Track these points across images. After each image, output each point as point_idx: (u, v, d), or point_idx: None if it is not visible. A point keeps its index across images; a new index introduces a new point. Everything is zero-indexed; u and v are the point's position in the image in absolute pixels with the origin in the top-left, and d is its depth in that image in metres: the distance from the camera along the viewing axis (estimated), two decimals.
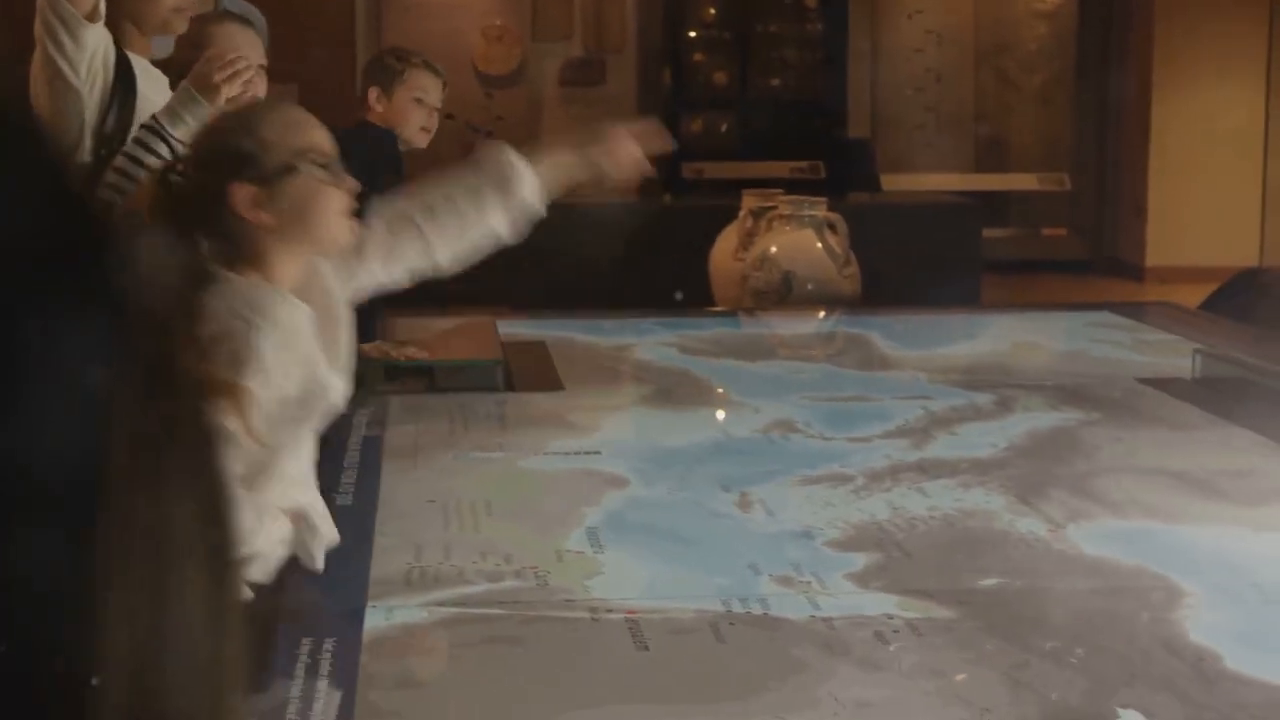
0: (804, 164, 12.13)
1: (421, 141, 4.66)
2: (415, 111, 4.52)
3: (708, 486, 3.37)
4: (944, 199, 9.61)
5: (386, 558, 2.87)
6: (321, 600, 2.75)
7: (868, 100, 12.57)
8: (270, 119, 2.26)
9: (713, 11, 12.51)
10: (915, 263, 7.72)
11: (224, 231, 2.22)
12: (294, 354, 2.24)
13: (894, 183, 12.14)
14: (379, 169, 4.33)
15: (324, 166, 2.26)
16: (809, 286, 6.41)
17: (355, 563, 2.84)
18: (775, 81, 12.50)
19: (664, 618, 2.58)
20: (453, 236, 2.59)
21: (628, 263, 8.50)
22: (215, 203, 2.20)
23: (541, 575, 2.81)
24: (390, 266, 2.58)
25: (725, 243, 7.06)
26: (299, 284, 2.29)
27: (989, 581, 2.77)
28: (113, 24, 4.11)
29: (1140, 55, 12.01)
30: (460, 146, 12.18)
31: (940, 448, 3.69)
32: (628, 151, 2.80)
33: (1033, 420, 3.96)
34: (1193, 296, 9.76)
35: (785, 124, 12.27)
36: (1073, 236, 12.58)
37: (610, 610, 2.62)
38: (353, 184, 2.31)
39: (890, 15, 12.54)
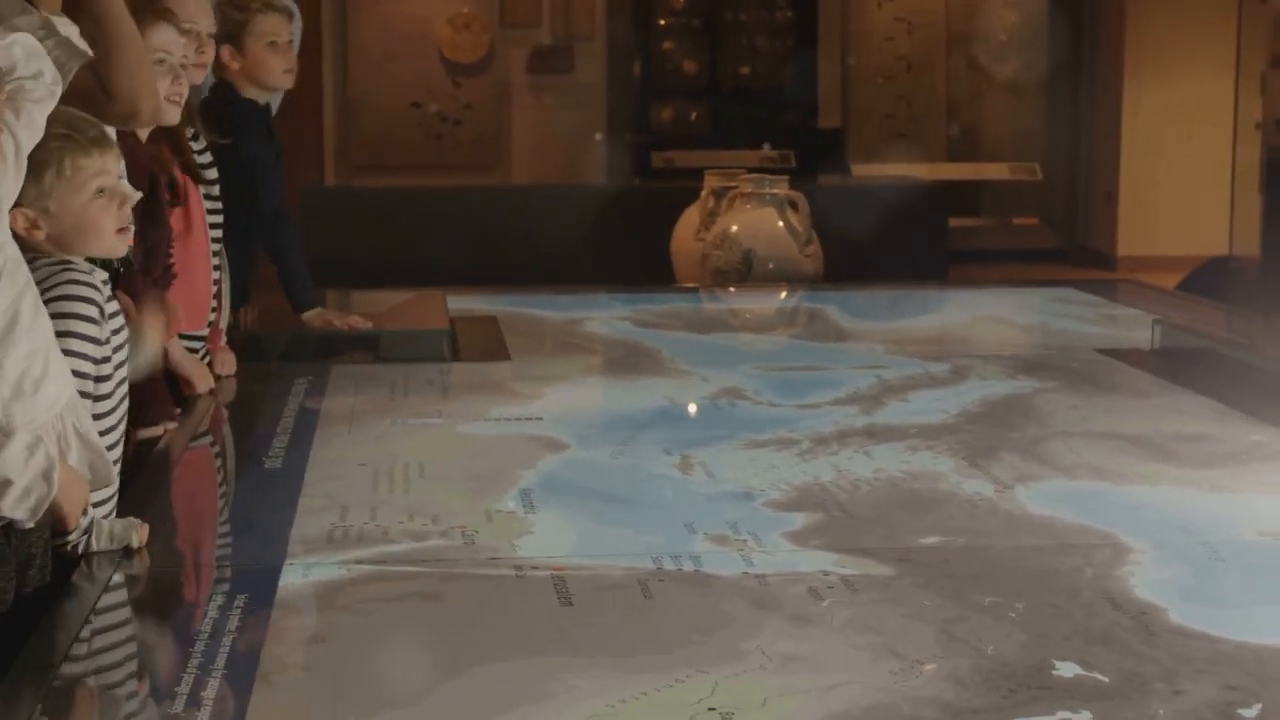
0: (774, 153, 12.06)
1: (287, 82, 4.42)
2: (272, 58, 4.29)
3: (649, 450, 3.28)
4: (909, 182, 9.54)
5: (310, 519, 2.78)
6: (238, 555, 2.68)
7: (838, 89, 12.50)
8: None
9: (682, 1, 12.44)
10: (880, 245, 7.64)
11: None
12: None
13: (865, 172, 12.08)
14: (255, 142, 4.20)
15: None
16: (770, 265, 6.33)
17: (278, 525, 2.74)
18: (745, 70, 12.44)
19: (591, 574, 2.49)
20: None
21: (590, 245, 8.42)
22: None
23: (469, 535, 2.72)
24: None
25: (687, 223, 6.98)
26: None
27: (930, 540, 2.69)
28: None
29: (1111, 45, 11.95)
30: (428, 135, 12.12)
31: (890, 414, 3.61)
32: None
33: (987, 388, 3.88)
34: (1165, 285, 9.72)
35: (756, 113, 12.21)
36: (1044, 226, 12.53)
37: (536, 567, 2.53)
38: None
39: (861, 3, 12.48)
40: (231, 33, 4.20)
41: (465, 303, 5.03)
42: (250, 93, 4.32)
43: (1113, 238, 11.98)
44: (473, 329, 4.60)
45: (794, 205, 6.43)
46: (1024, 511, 2.84)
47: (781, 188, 6.50)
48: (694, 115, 12.40)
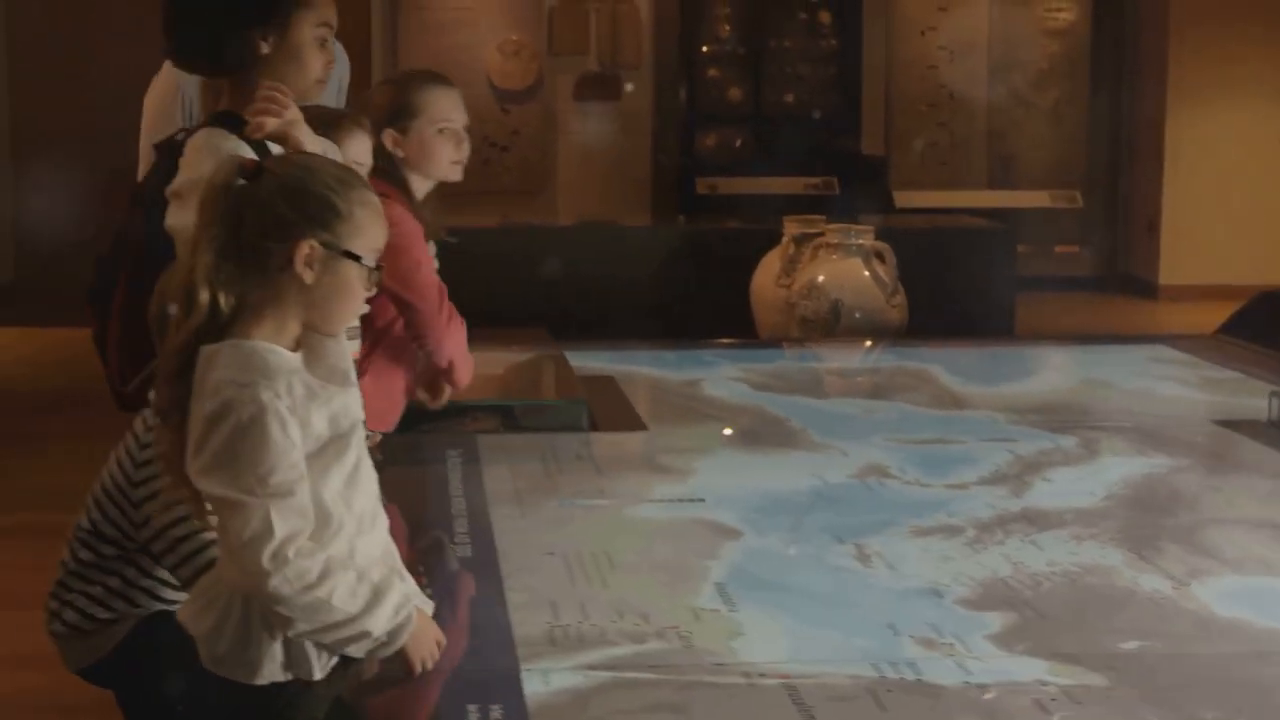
0: (817, 180, 12.18)
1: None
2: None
3: (821, 538, 3.40)
4: (975, 223, 9.65)
5: (524, 617, 2.88)
6: (470, 658, 2.77)
7: (881, 116, 12.61)
8: (368, 206, 2.27)
9: (727, 28, 12.54)
10: (952, 288, 7.76)
11: (259, 262, 2.22)
12: (313, 400, 2.25)
13: (907, 199, 12.21)
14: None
15: (374, 271, 2.28)
16: (856, 315, 6.45)
17: (496, 624, 2.85)
18: (789, 97, 12.55)
19: (818, 683, 2.61)
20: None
21: (659, 285, 8.50)
22: (278, 234, 2.20)
23: (684, 636, 2.83)
24: None
25: (767, 269, 7.09)
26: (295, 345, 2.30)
27: (1130, 644, 2.80)
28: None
29: (1153, 73, 12.07)
30: (477, 161, 12.23)
31: (1039, 496, 3.72)
32: None
33: (1122, 466, 3.99)
34: (1207, 314, 9.80)
35: (799, 140, 12.31)
36: (1085, 254, 12.65)
37: (764, 675, 2.64)
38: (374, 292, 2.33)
39: (904, 31, 12.59)
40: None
41: (572, 360, 5.11)
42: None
43: (1155, 266, 12.10)
44: (597, 392, 4.70)
45: (880, 256, 6.55)
46: (1209, 612, 2.96)
47: (867, 237, 6.62)
48: (738, 142, 12.51)
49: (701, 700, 2.56)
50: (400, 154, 3.84)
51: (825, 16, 12.46)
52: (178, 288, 2.18)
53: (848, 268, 6.57)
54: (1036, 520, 3.53)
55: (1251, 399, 4.73)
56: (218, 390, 2.16)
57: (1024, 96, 12.65)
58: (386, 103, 3.87)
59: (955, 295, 7.64)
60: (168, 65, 4.61)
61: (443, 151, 3.87)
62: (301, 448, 2.20)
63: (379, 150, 3.71)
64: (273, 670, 2.28)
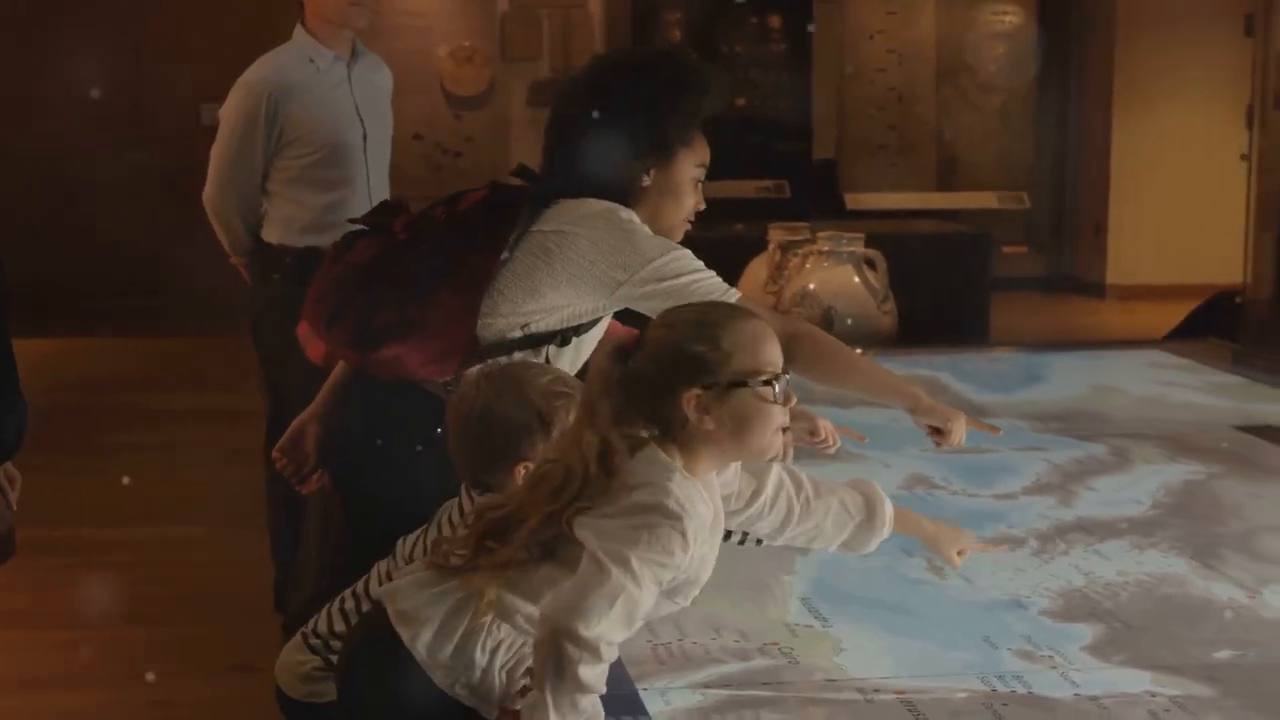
0: (769, 183, 12.26)
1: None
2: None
3: (890, 551, 3.43)
4: (953, 228, 9.77)
5: None
6: None
7: (832, 120, 12.72)
8: (733, 331, 2.28)
9: (679, 33, 12.61)
10: (930, 293, 7.84)
11: (663, 420, 2.25)
12: (699, 548, 2.29)
13: (857, 202, 12.31)
14: None
15: (771, 384, 2.29)
16: (849, 322, 6.52)
17: None
18: (740, 101, 12.61)
19: (934, 698, 2.66)
20: (798, 535, 2.64)
21: None
22: (664, 395, 2.24)
23: (786, 652, 2.88)
24: (746, 516, 2.63)
25: (752, 276, 7.15)
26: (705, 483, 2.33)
27: (1223, 654, 2.87)
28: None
29: (1099, 75, 12.24)
30: (430, 167, 12.22)
31: (1089, 506, 3.80)
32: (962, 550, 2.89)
33: (1159, 474, 4.08)
34: (1156, 315, 10.00)
35: (751, 144, 12.38)
36: (1033, 254, 12.81)
37: (878, 690, 2.70)
38: (793, 400, 2.34)
39: (853, 36, 12.70)
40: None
41: None
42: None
43: (1102, 267, 12.27)
44: None
45: (871, 263, 6.62)
46: None
47: (858, 245, 6.69)
48: None
49: (822, 717, 2.61)
50: None
51: (776, 21, 12.56)
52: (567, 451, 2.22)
53: (839, 274, 6.64)
54: (1094, 530, 3.61)
55: (1264, 404, 4.85)
56: (661, 490, 2.20)
57: (971, 99, 12.80)
58: None
59: (933, 300, 7.73)
60: (250, 75, 4.64)
61: None
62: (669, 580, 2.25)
63: None
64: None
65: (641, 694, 2.67)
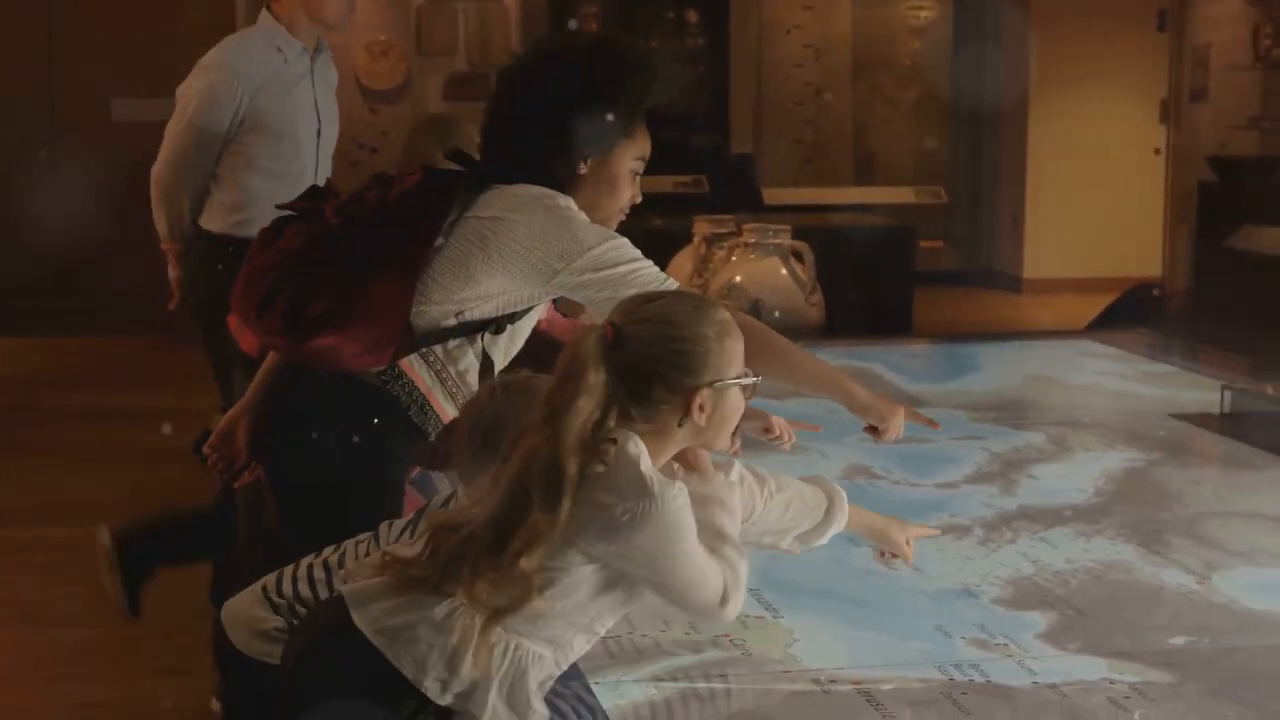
0: (687, 178, 12.22)
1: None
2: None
3: (837, 540, 3.39)
4: (876, 220, 9.77)
5: None
6: None
7: (749, 114, 12.69)
8: (728, 329, 2.22)
9: (595, 26, 12.53)
10: (855, 285, 7.82)
11: (659, 416, 2.18)
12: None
13: (775, 196, 12.28)
14: None
15: (753, 384, 2.26)
16: (776, 314, 6.48)
17: None
18: None
19: (892, 688, 2.62)
20: (761, 532, 2.55)
21: None
22: (663, 391, 2.17)
23: (739, 643, 2.83)
24: None
25: (678, 270, 7.09)
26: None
27: (1178, 640, 2.85)
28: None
29: (1015, 69, 12.28)
30: (346, 163, 12.09)
31: (1031, 494, 3.79)
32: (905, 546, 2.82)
33: (1098, 461, 4.07)
34: (1073, 307, 10.04)
35: (669, 139, 12.28)
36: (950, 249, 12.83)
37: (834, 681, 2.66)
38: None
39: (771, 30, 12.67)
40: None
41: None
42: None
43: (1019, 260, 12.31)
44: None
45: (798, 256, 6.59)
46: (1241, 606, 3.02)
47: (785, 237, 6.65)
48: None
49: (785, 710, 2.57)
50: None
51: (693, 15, 12.50)
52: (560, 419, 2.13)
53: (766, 267, 6.60)
54: (1038, 518, 3.59)
55: (1196, 391, 4.86)
56: (651, 492, 2.11)
57: (888, 94, 12.80)
58: None
59: (858, 293, 7.70)
60: (220, 59, 4.52)
61: None
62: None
63: None
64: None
65: (594, 688, 2.61)
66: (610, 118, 2.94)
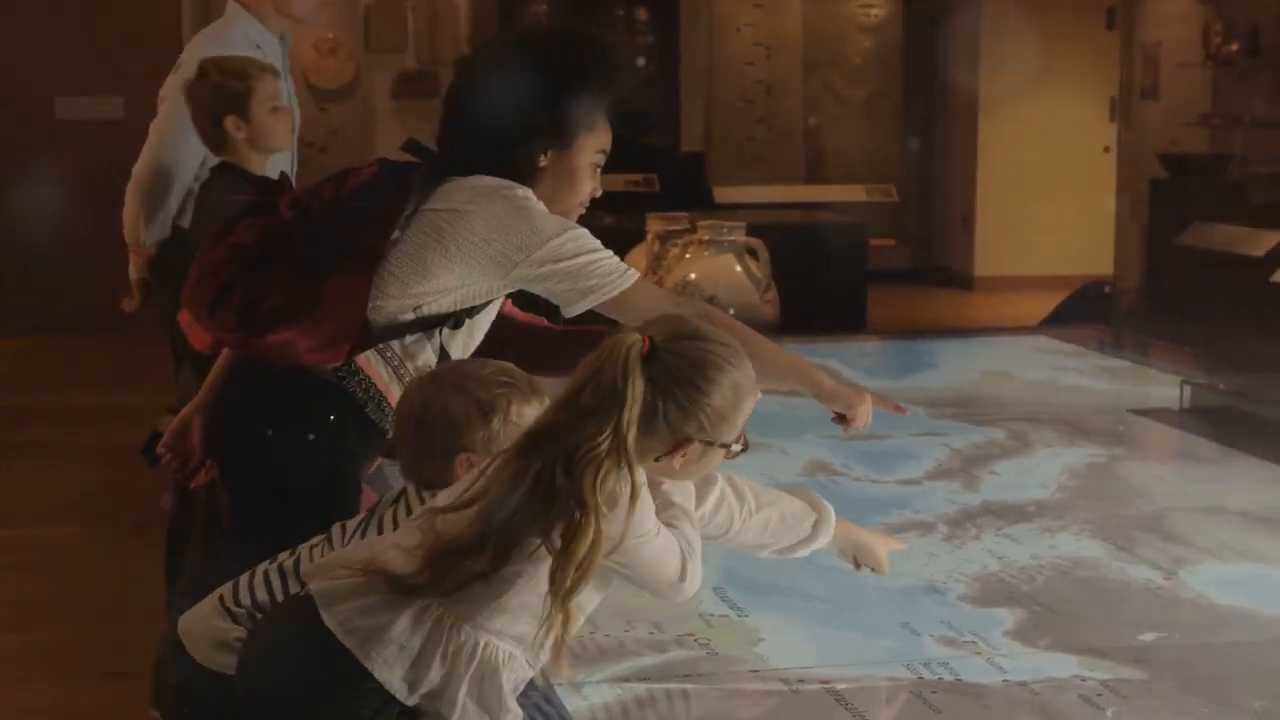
0: (638, 177, 12.16)
1: (290, 144, 4.26)
2: (277, 121, 4.05)
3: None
4: (830, 218, 9.73)
5: None
6: None
7: (700, 112, 12.65)
8: (748, 388, 2.14)
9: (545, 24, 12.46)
10: (808, 282, 7.79)
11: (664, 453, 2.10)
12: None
13: (726, 195, 12.24)
14: None
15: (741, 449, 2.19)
16: (731, 312, 6.40)
17: None
18: None
19: (861, 687, 2.58)
20: (740, 546, 2.49)
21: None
22: (662, 424, 2.08)
23: (704, 643, 2.78)
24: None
25: (632, 266, 7.03)
26: None
27: (1147, 636, 2.82)
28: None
29: (965, 67, 12.28)
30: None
31: (994, 490, 3.75)
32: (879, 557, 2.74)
33: (1060, 457, 4.04)
34: (1024, 304, 10.05)
35: (620, 137, 12.21)
36: (901, 247, 12.82)
37: (803, 680, 2.61)
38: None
39: (721, 28, 12.64)
40: (235, 104, 4.04)
41: None
42: (254, 163, 4.21)
43: (970, 258, 12.31)
44: None
45: (753, 253, 6.55)
46: (1209, 602, 2.99)
47: (739, 234, 6.61)
48: None
49: (754, 710, 2.52)
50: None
51: (643, 13, 12.45)
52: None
53: (720, 264, 6.55)
54: (1002, 514, 3.55)
55: (1153, 387, 4.84)
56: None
57: (839, 92, 12.78)
58: None
59: (811, 290, 7.66)
60: (202, 56, 4.40)
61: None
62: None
63: None
64: None
65: (557, 689, 2.55)
66: (572, 109, 2.88)
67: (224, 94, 3.99)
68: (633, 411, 2.02)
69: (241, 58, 4.13)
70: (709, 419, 2.09)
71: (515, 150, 2.88)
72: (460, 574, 2.03)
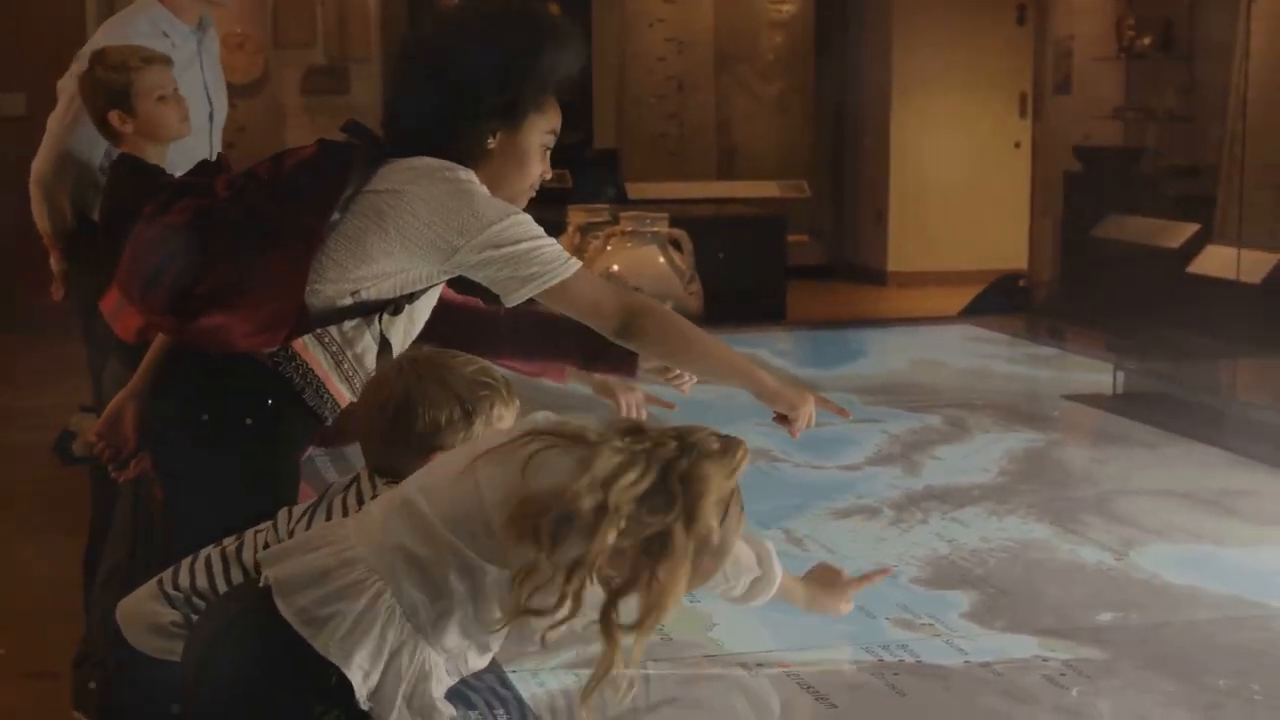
0: (552, 173, 12.05)
1: (188, 131, 4.20)
2: (165, 110, 3.84)
3: (751, 516, 3.31)
4: (749, 211, 9.72)
5: None
6: None
7: (612, 109, 12.60)
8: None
9: None
10: (728, 274, 7.76)
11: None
12: None
13: (639, 191, 12.19)
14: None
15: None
16: None
17: None
18: None
19: (822, 671, 2.53)
20: None
21: None
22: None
23: (658, 628, 2.71)
24: None
25: None
26: None
27: (1104, 616, 2.79)
28: None
29: (877, 63, 12.31)
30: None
31: (937, 474, 3.73)
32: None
33: (999, 442, 4.02)
34: (937, 299, 10.06)
35: None
36: (814, 243, 12.82)
37: (761, 664, 2.56)
38: None
39: (633, 24, 12.59)
40: (116, 97, 3.83)
41: None
42: (150, 153, 4.05)
43: (883, 254, 12.33)
44: None
45: (676, 244, 6.50)
46: (1162, 582, 2.98)
47: (663, 225, 6.56)
48: None
49: (713, 694, 2.46)
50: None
51: (554, 9, 12.37)
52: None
53: (643, 256, 6.51)
54: (947, 498, 3.52)
55: (1084, 374, 4.84)
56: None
57: (751, 87, 12.77)
58: None
59: (731, 282, 7.63)
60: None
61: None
62: None
63: None
64: None
65: (511, 677, 2.49)
66: (522, 88, 2.80)
67: (104, 88, 3.86)
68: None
69: (124, 48, 3.99)
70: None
71: (462, 132, 2.80)
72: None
